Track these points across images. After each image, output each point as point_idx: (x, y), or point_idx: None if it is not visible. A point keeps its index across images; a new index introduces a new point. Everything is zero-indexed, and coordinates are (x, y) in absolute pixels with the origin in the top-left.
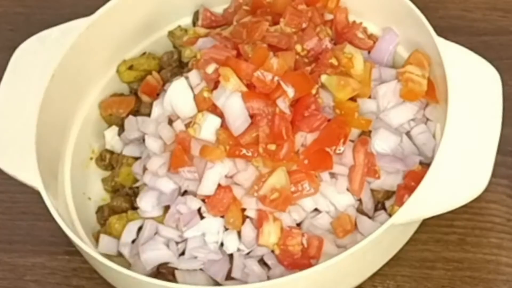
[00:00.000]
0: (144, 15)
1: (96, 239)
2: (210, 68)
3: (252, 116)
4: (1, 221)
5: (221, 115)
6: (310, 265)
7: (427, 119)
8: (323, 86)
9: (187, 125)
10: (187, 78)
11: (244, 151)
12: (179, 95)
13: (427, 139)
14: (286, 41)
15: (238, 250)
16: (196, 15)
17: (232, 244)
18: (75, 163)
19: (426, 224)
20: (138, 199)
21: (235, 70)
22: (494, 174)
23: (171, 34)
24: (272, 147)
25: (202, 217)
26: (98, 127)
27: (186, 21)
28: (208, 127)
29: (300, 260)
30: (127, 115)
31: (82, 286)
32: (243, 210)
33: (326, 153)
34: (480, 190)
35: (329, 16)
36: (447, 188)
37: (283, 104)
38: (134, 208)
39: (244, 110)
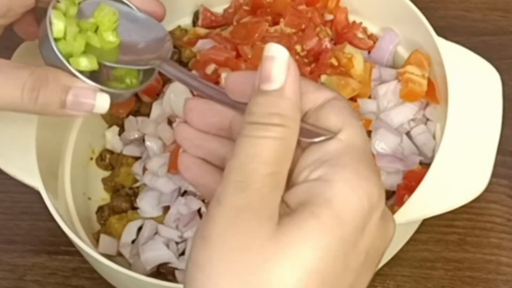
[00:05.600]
0: None
1: (96, 239)
2: (210, 69)
3: None
4: (1, 221)
5: None
6: None
7: (427, 119)
8: None
9: None
10: None
11: None
12: (178, 95)
13: (427, 139)
14: (286, 42)
15: None
16: (196, 15)
17: None
18: (75, 163)
19: (426, 224)
20: (138, 199)
21: (234, 71)
22: (494, 174)
23: (171, 34)
24: None
25: (202, 217)
26: (98, 127)
27: (186, 21)
28: None
29: None
30: (127, 115)
31: (82, 286)
32: None
33: None
34: (480, 190)
35: (329, 16)
36: (447, 188)
37: None
38: (134, 208)
39: None
